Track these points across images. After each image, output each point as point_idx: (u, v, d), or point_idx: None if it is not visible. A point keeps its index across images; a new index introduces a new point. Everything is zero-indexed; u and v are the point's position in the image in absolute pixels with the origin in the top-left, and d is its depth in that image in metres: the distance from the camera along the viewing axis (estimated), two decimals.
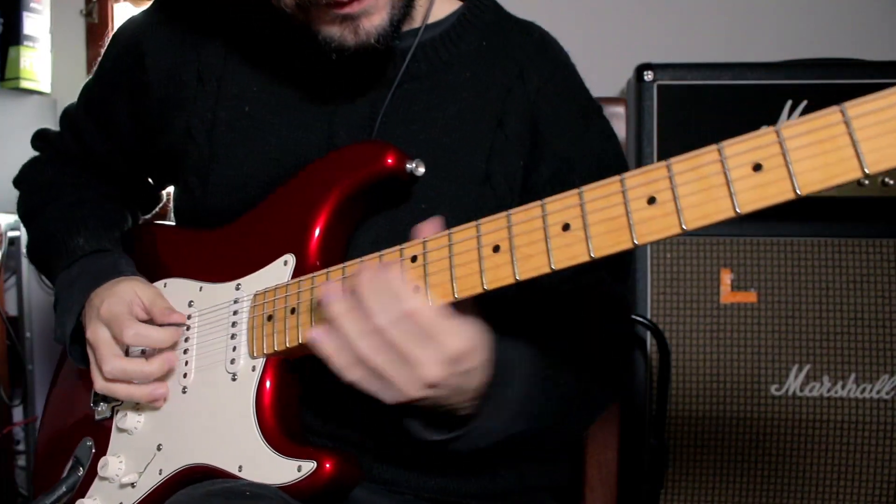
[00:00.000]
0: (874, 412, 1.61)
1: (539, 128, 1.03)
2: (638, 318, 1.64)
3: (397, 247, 0.84)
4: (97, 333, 1.00)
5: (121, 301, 1.00)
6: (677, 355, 1.66)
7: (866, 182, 1.63)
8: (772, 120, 1.67)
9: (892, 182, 1.62)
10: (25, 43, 2.29)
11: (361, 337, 0.77)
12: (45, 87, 2.35)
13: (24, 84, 2.29)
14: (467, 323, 0.80)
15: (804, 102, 1.65)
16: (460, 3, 1.08)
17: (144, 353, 1.02)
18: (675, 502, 1.67)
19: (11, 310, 2.27)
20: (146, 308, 1.01)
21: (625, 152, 1.77)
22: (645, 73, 1.67)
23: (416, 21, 1.03)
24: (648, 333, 1.66)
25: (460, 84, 1.02)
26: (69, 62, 2.42)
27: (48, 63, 2.36)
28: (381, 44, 0.91)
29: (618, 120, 1.76)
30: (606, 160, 1.07)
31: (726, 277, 1.66)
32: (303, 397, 0.99)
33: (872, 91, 0.63)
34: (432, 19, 1.04)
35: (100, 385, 1.01)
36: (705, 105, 1.67)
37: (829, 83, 1.65)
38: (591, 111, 1.09)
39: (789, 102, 1.65)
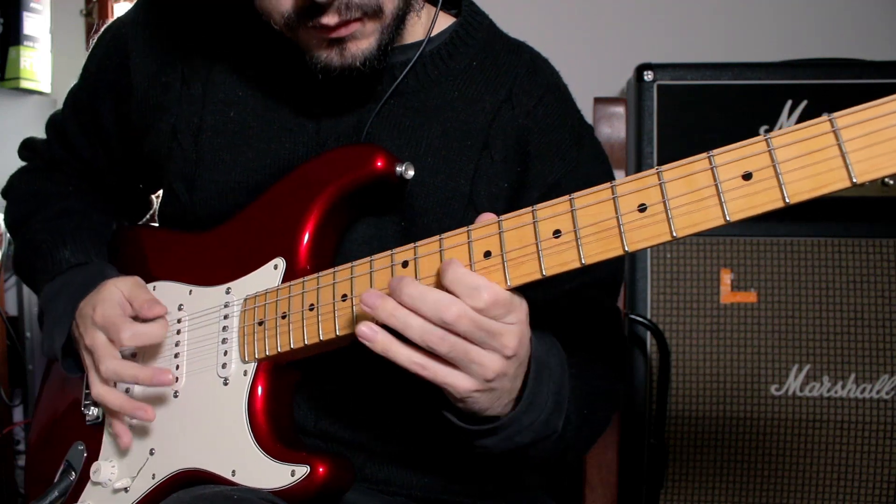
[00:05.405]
0: (874, 412, 1.61)
1: (529, 151, 1.01)
2: (638, 318, 1.64)
3: (388, 252, 0.84)
4: (95, 339, 0.99)
5: (112, 304, 0.99)
6: (677, 355, 1.66)
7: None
8: (772, 120, 1.67)
9: (892, 182, 1.62)
10: (25, 43, 2.29)
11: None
12: (45, 87, 2.35)
13: (24, 84, 2.28)
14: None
15: (804, 102, 1.65)
16: (454, 20, 1.06)
17: (135, 356, 1.02)
18: (675, 502, 1.67)
19: (11, 310, 2.26)
20: (128, 300, 1.00)
21: (625, 152, 1.78)
22: (645, 73, 1.67)
23: (407, 36, 1.01)
24: (648, 333, 1.66)
25: (447, 103, 1.01)
26: (69, 62, 2.41)
27: (48, 63, 2.35)
28: (367, 67, 0.91)
29: (618, 120, 1.77)
30: (597, 183, 1.06)
31: (726, 277, 1.66)
32: (294, 397, 0.99)
33: (872, 91, 0.63)
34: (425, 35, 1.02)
35: (97, 389, 1.00)
36: (705, 105, 1.67)
37: (829, 83, 1.65)
38: (582, 134, 1.06)
39: (789, 102, 1.65)
